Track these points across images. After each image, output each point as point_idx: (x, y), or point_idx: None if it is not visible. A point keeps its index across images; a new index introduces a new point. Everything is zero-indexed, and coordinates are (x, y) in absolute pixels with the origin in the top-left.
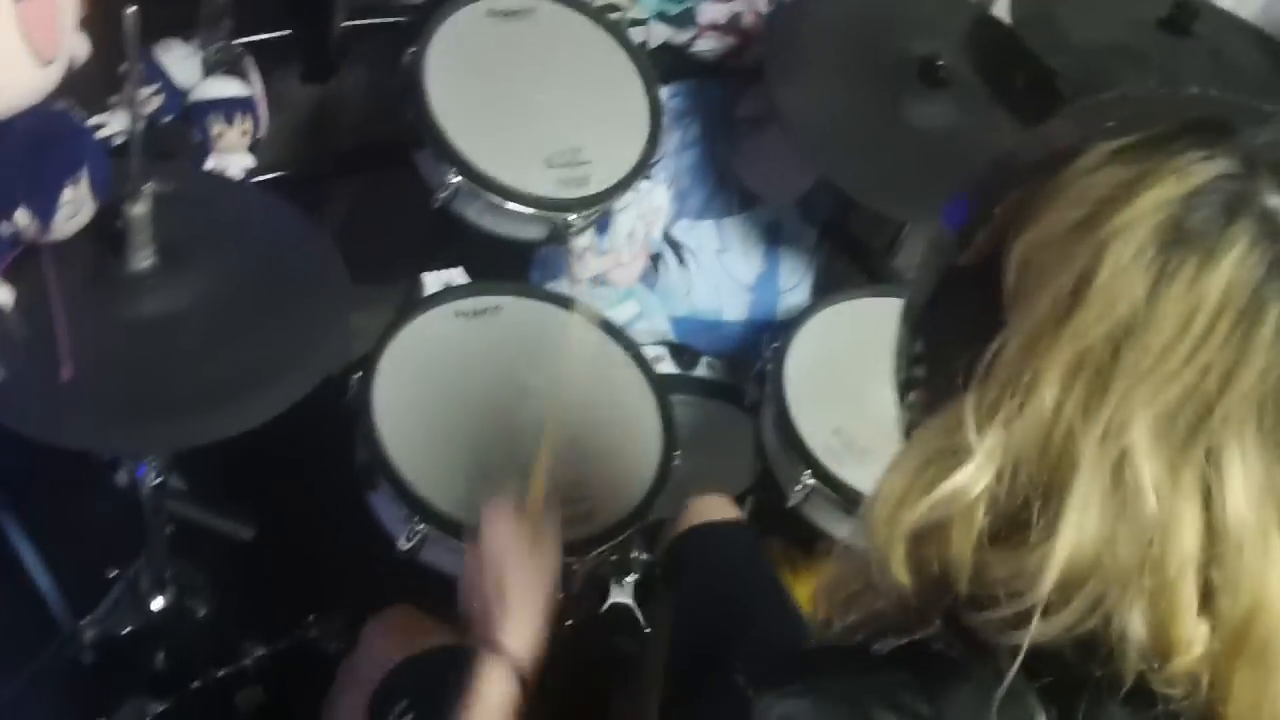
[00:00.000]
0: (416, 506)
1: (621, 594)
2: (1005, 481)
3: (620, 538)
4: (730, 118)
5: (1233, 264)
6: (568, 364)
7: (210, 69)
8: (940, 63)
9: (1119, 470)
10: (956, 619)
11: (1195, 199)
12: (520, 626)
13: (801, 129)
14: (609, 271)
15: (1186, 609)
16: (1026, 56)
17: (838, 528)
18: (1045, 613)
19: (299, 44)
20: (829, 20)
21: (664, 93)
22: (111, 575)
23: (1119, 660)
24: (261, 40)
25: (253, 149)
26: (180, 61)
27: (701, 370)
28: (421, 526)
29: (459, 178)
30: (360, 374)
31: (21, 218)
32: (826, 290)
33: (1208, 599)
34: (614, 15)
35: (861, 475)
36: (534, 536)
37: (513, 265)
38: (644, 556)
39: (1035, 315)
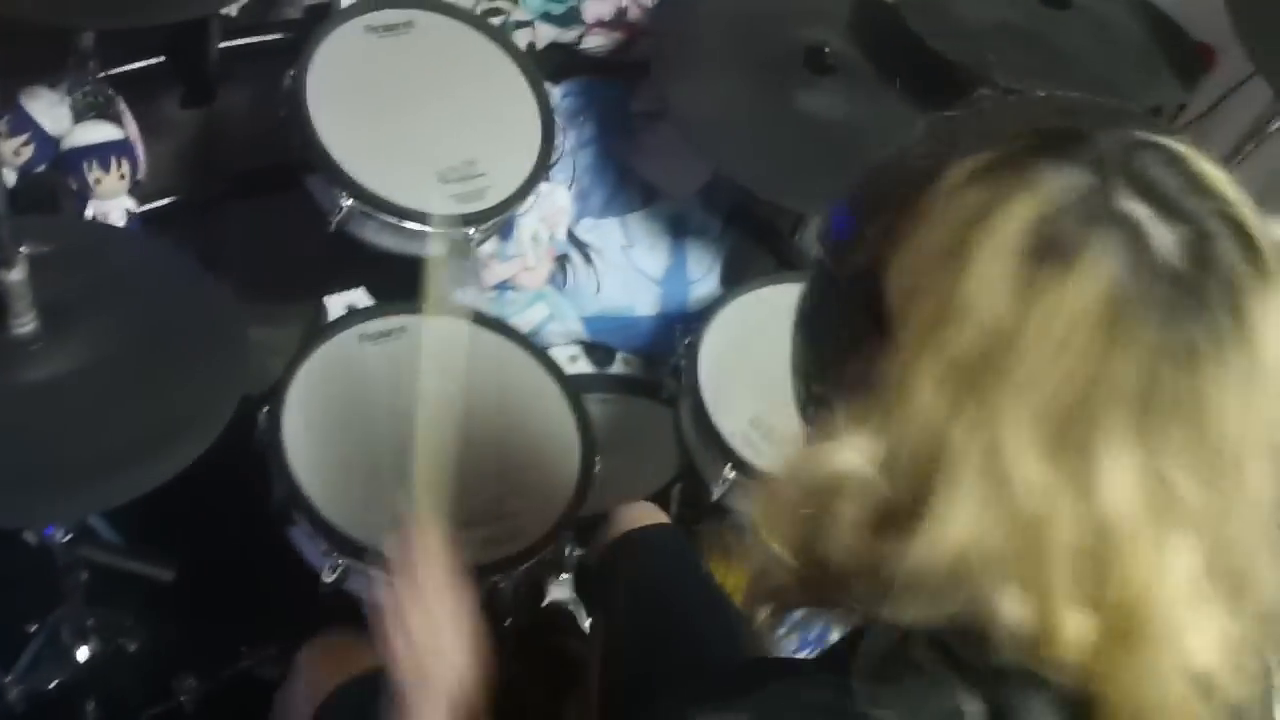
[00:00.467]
0: (336, 541)
1: (559, 591)
2: (878, 479)
3: (545, 553)
4: (625, 113)
5: (1092, 271)
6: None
7: (80, 114)
8: (827, 50)
9: (996, 471)
10: (858, 610)
11: (1053, 212)
12: (449, 658)
13: (693, 124)
14: (516, 276)
15: (1064, 598)
16: (912, 38)
17: None
18: (930, 598)
19: (175, 70)
20: (715, 11)
21: (556, 92)
22: (31, 630)
23: (997, 646)
24: (138, 68)
25: (133, 191)
26: (49, 109)
27: (617, 367)
28: (343, 560)
29: (351, 201)
30: (268, 409)
31: None
32: (736, 278)
33: (1089, 589)
34: (497, 19)
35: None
36: (432, 563)
37: (420, 276)
38: (578, 553)
39: (910, 330)
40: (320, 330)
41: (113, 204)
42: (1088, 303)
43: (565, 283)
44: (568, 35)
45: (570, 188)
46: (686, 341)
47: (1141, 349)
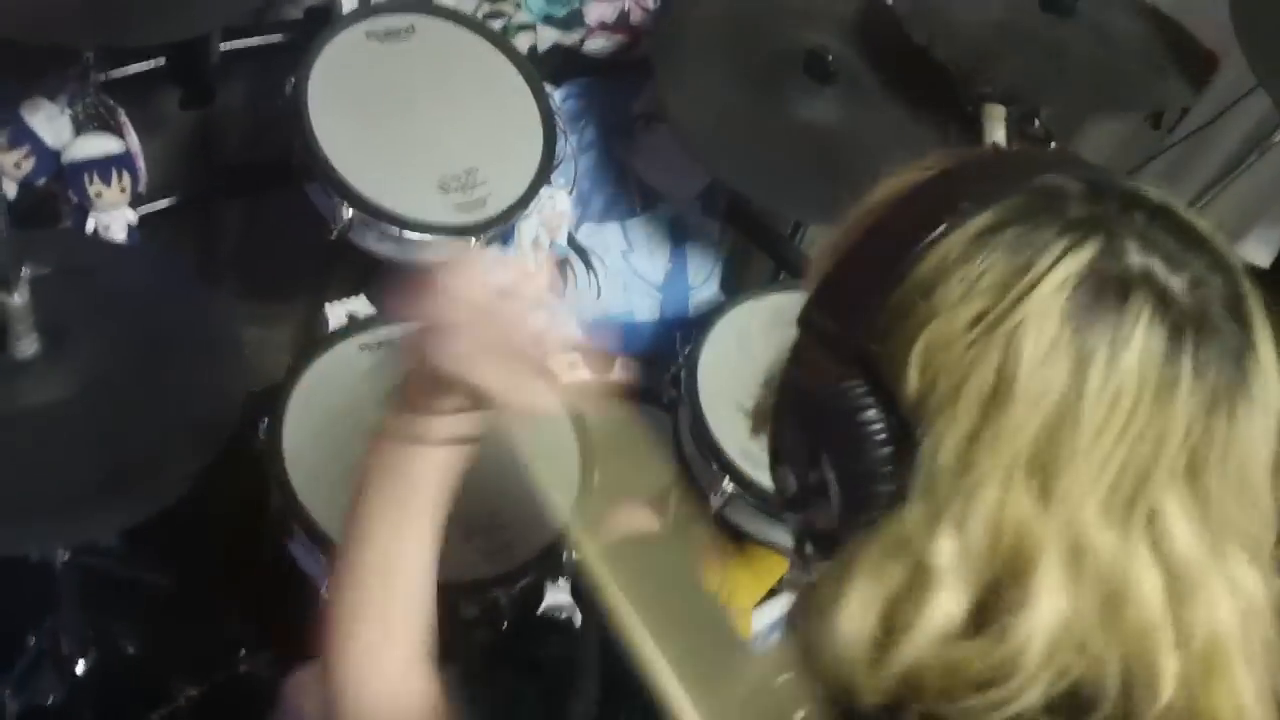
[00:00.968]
0: (334, 554)
1: (558, 595)
2: (963, 576)
3: (544, 567)
4: (626, 116)
5: (1141, 338)
6: None
7: (81, 126)
8: (829, 57)
9: (1076, 549)
10: (930, 715)
11: (1087, 281)
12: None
13: (690, 130)
14: None
15: (1165, 649)
16: (913, 45)
17: (761, 530)
18: (1025, 688)
19: (175, 73)
20: (716, 15)
21: (558, 95)
22: (30, 641)
23: (1104, 708)
24: (137, 72)
25: (134, 202)
26: (49, 121)
27: (617, 373)
28: None
29: (352, 211)
30: (268, 420)
31: None
32: (736, 282)
33: (1177, 634)
34: (499, 22)
35: None
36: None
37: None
38: (577, 556)
39: (962, 417)
40: (320, 340)
41: (114, 216)
42: (1143, 369)
43: (565, 287)
44: (570, 38)
45: (570, 192)
46: (685, 351)
47: (1196, 403)
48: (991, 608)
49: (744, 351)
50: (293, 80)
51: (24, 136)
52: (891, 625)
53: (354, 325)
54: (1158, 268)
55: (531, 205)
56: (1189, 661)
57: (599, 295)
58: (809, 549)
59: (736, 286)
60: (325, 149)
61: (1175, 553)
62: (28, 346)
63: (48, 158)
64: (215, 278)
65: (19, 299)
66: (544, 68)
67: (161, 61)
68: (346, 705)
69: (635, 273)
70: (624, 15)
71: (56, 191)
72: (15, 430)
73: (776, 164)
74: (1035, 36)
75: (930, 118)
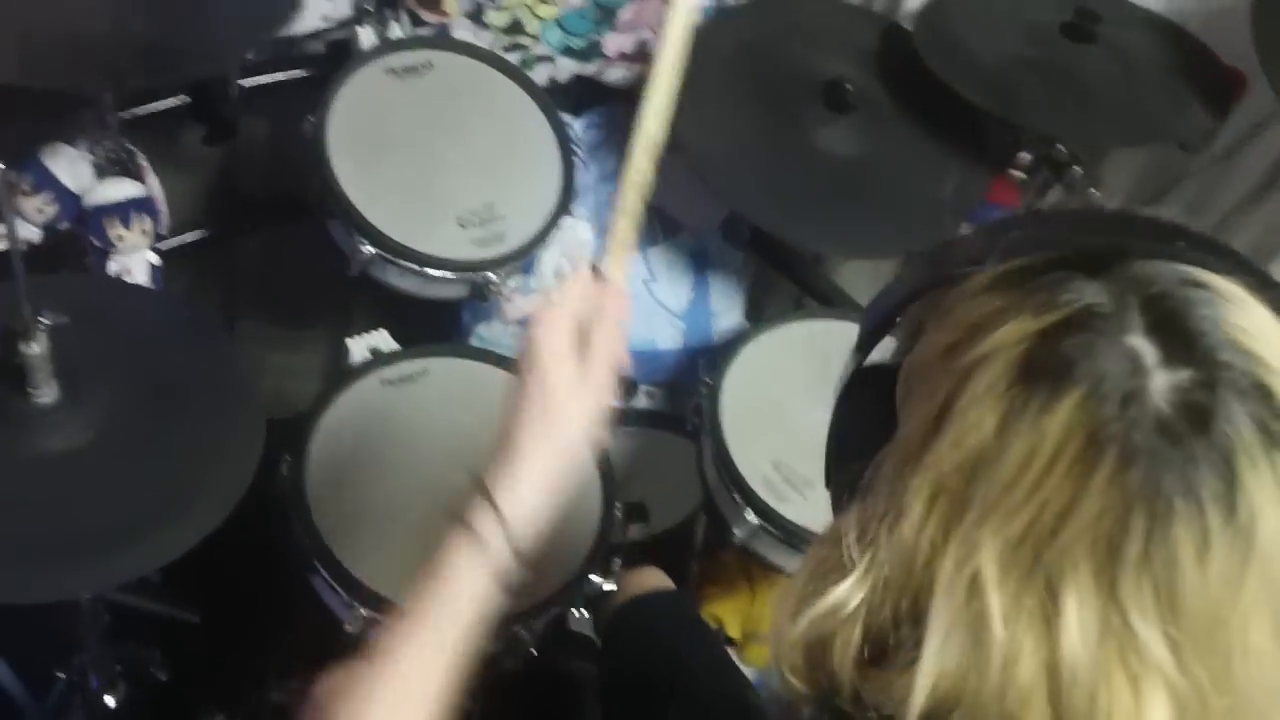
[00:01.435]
0: (359, 593)
1: (580, 625)
2: (877, 601)
3: (565, 603)
4: None
5: (1075, 403)
6: None
7: (103, 170)
8: (848, 86)
9: (971, 598)
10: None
11: (1054, 332)
12: (528, 477)
13: (707, 162)
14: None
15: None
16: (930, 75)
17: (785, 561)
18: None
19: (197, 110)
20: (734, 45)
21: (579, 125)
22: (60, 676)
23: None
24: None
25: (159, 239)
26: (70, 166)
27: (641, 400)
28: (365, 612)
29: (371, 249)
30: (290, 458)
31: None
32: (759, 310)
33: None
34: (518, 55)
35: (804, 509)
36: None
37: (442, 311)
38: (603, 585)
39: (907, 436)
40: (342, 375)
41: (135, 258)
42: (1065, 434)
43: None
44: (589, 69)
45: (592, 222)
46: (707, 381)
47: (1116, 493)
48: (892, 641)
49: (767, 381)
50: (311, 119)
51: (46, 181)
52: (798, 608)
53: (376, 360)
54: (1148, 352)
55: (549, 239)
56: None
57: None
58: None
59: (761, 313)
60: (344, 187)
61: (1063, 639)
62: (47, 394)
63: (70, 202)
64: (242, 305)
65: (37, 348)
66: (564, 98)
67: (184, 99)
68: None
69: (657, 301)
70: (642, 45)
71: (79, 234)
72: (34, 476)
73: (795, 194)
74: (1055, 65)
75: (952, 148)
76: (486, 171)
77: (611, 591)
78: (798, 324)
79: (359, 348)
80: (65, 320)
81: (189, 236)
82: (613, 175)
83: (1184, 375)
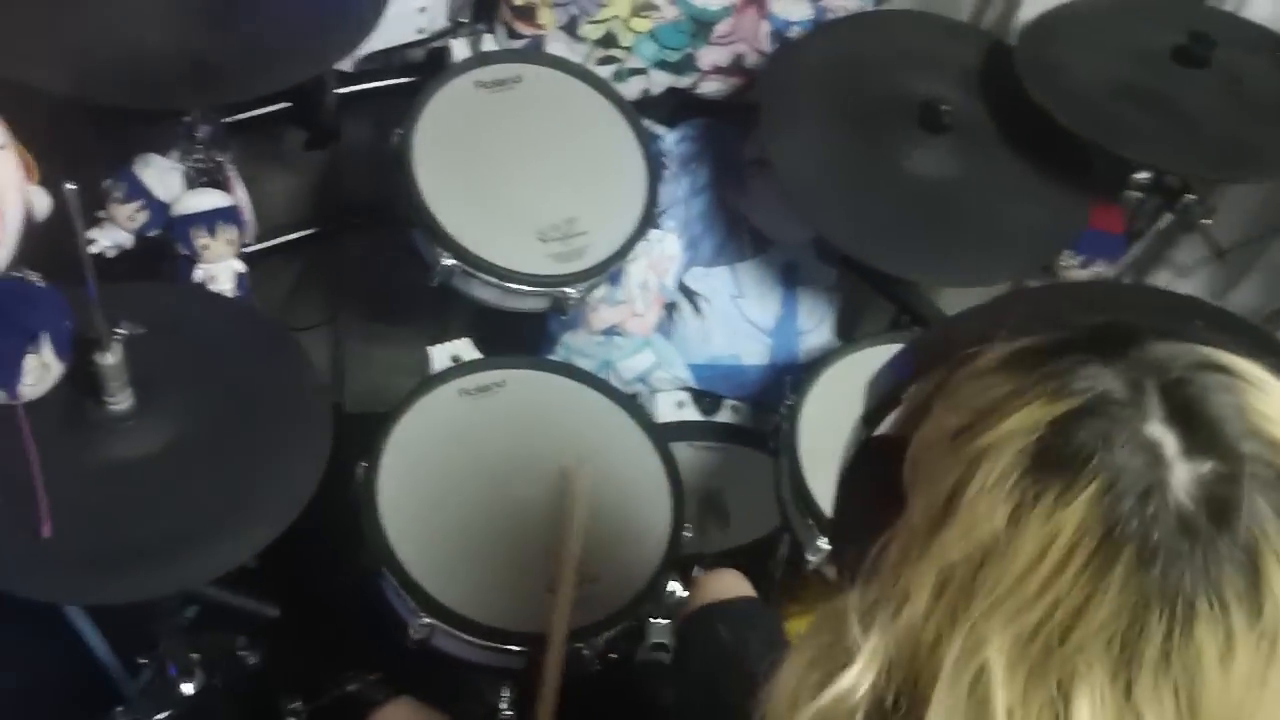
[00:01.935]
0: (423, 602)
1: (659, 634)
2: (880, 688)
3: (628, 622)
4: (739, 160)
5: (1091, 498)
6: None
7: (193, 180)
8: (945, 108)
9: (975, 692)
10: None
11: (1068, 421)
12: None
13: (793, 182)
14: (624, 322)
15: None
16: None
17: None
18: None
19: (298, 116)
20: (830, 61)
21: (671, 137)
22: (141, 662)
23: None
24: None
25: (243, 256)
26: (160, 176)
27: (725, 414)
28: (428, 621)
29: (451, 260)
30: (365, 464)
31: None
32: (851, 327)
33: None
34: (611, 68)
35: None
36: None
37: (530, 318)
38: (682, 593)
39: (914, 520)
40: (421, 383)
41: (221, 267)
42: (1080, 530)
43: (673, 330)
44: (683, 82)
45: (681, 236)
46: (789, 400)
47: (1133, 593)
48: None
49: (848, 404)
50: (399, 131)
51: (137, 190)
52: (799, 696)
53: (455, 370)
54: (1169, 442)
55: (629, 255)
56: None
57: (706, 339)
58: None
59: (853, 332)
60: (426, 198)
61: None
62: (122, 401)
63: (159, 211)
64: (348, 301)
65: (112, 358)
66: (658, 110)
67: (286, 105)
68: None
69: (744, 317)
70: (738, 59)
71: (170, 242)
72: (107, 482)
73: (882, 218)
74: (1162, 92)
75: (1054, 172)
76: (570, 186)
77: (686, 595)
78: (889, 345)
79: (440, 355)
80: (141, 331)
81: (295, 234)
82: (704, 189)
83: (1206, 467)
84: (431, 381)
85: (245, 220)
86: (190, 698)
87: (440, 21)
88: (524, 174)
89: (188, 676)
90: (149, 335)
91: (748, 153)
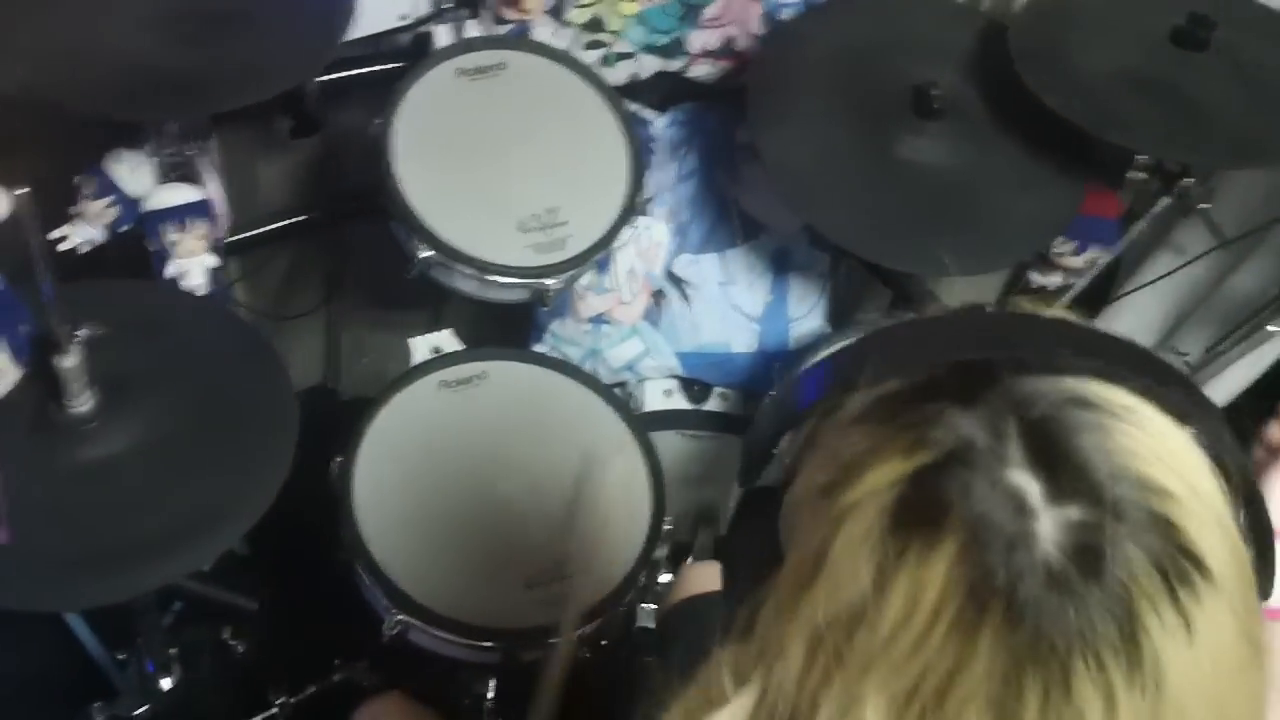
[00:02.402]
0: (396, 598)
1: (649, 619)
2: None
3: (602, 619)
4: (730, 145)
5: (954, 554)
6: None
7: (164, 174)
8: (935, 92)
9: None
10: None
11: (928, 474)
12: None
13: (782, 172)
14: (611, 310)
15: None
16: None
17: None
18: None
19: (282, 106)
20: (821, 45)
21: (661, 122)
22: (120, 658)
23: None
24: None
25: (214, 248)
26: (131, 172)
27: (714, 402)
28: (401, 617)
29: (429, 252)
30: (341, 458)
31: None
32: (843, 314)
33: None
34: (599, 52)
35: None
36: None
37: (518, 307)
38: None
39: (786, 580)
40: (400, 376)
41: (192, 262)
42: (947, 589)
43: (660, 319)
44: (672, 65)
45: (669, 222)
46: (771, 394)
47: (1005, 652)
48: None
49: None
50: (378, 120)
51: (108, 187)
52: None
53: (435, 362)
54: (1033, 490)
55: (611, 246)
56: None
57: (695, 327)
58: None
59: (846, 317)
60: (404, 190)
61: None
62: (84, 403)
63: (130, 207)
64: (344, 286)
65: (71, 360)
66: (648, 95)
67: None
68: None
69: (733, 305)
70: (729, 42)
71: (136, 241)
72: (68, 485)
73: (874, 208)
74: (1163, 80)
75: (1049, 159)
76: (554, 175)
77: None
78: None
79: (422, 347)
80: (103, 332)
81: (287, 221)
82: (691, 174)
83: (1072, 514)
84: (411, 374)
85: (217, 215)
86: (169, 692)
87: (423, 7)
88: (505, 163)
89: (165, 671)
90: (115, 335)
91: (740, 137)
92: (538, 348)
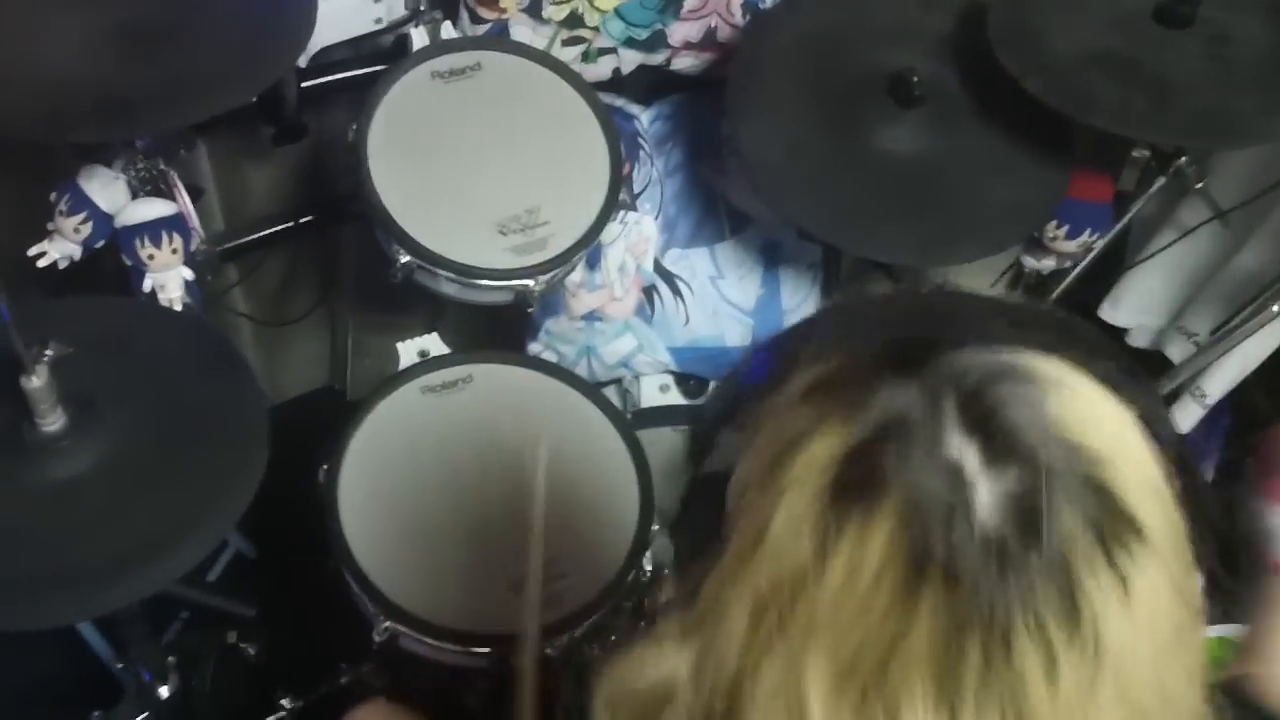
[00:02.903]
0: (384, 606)
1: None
2: (697, 693)
3: (591, 621)
4: (715, 137)
5: (893, 524)
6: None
7: (136, 190)
8: (914, 78)
9: (794, 713)
10: None
11: (866, 446)
12: None
13: (760, 166)
14: (604, 306)
15: None
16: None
17: None
18: None
19: (262, 112)
20: (800, 34)
21: (645, 117)
22: (118, 667)
23: None
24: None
25: (187, 262)
26: (103, 188)
27: (710, 398)
28: (388, 624)
29: (408, 257)
30: (327, 466)
31: None
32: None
33: None
34: (578, 48)
35: None
36: None
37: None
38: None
39: (730, 553)
40: (384, 382)
41: (168, 275)
42: (887, 557)
43: (653, 314)
44: (654, 59)
45: (657, 217)
46: None
47: (946, 617)
48: None
49: None
50: (354, 126)
51: (82, 203)
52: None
53: (420, 366)
54: (970, 457)
55: (592, 244)
56: None
57: (687, 322)
58: None
59: None
60: (382, 195)
61: None
62: (53, 422)
63: (103, 222)
64: (342, 289)
65: (37, 380)
66: (633, 89)
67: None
68: None
69: (724, 299)
70: (710, 32)
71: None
72: (44, 503)
73: (854, 203)
74: (1136, 57)
75: (1034, 144)
76: (532, 175)
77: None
78: None
79: (408, 351)
80: (69, 351)
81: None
82: (679, 168)
83: (1009, 480)
84: (395, 380)
85: (190, 228)
86: (167, 700)
87: (399, 10)
88: (483, 165)
89: (162, 680)
90: (87, 352)
91: (726, 130)
92: (533, 346)
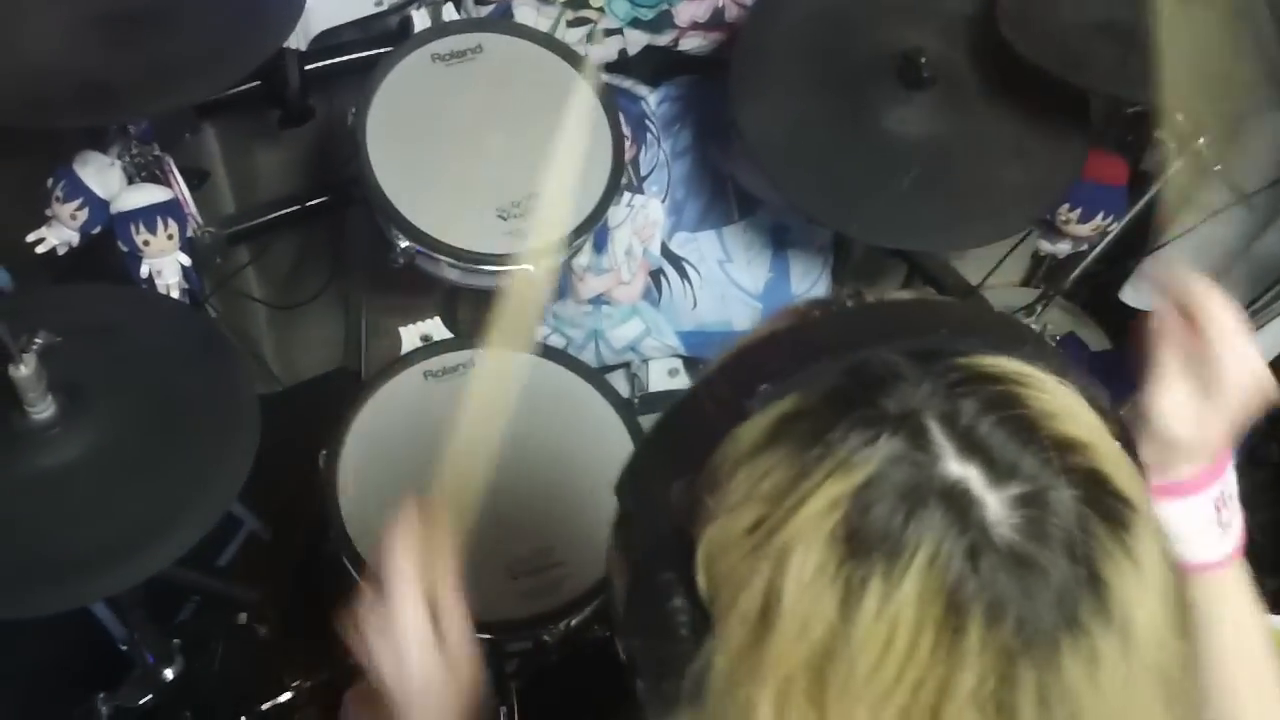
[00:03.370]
0: None
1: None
2: None
3: (591, 607)
4: (723, 119)
5: (921, 568)
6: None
7: (131, 176)
8: (923, 59)
9: None
10: None
11: (867, 492)
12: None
13: (765, 150)
14: (611, 290)
15: None
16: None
17: None
18: None
19: (268, 96)
20: (810, 12)
21: (653, 98)
22: (123, 648)
23: None
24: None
25: (184, 248)
26: (99, 174)
27: None
28: None
29: (407, 242)
30: (326, 451)
31: None
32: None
33: None
34: (584, 29)
35: None
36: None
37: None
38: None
39: (734, 634)
40: (385, 367)
41: (165, 261)
42: (923, 605)
43: (660, 298)
44: (661, 39)
45: (664, 200)
46: None
47: (992, 652)
48: None
49: None
50: (354, 110)
51: (77, 189)
52: None
53: (420, 351)
54: (972, 477)
55: (593, 230)
56: None
57: (695, 306)
58: None
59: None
60: (380, 180)
61: None
62: (43, 410)
63: (99, 208)
64: (355, 272)
65: (25, 369)
66: (640, 70)
67: (256, 84)
68: None
69: (732, 282)
70: (718, 12)
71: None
72: (35, 492)
73: (861, 188)
74: (1141, 27)
75: (1047, 124)
76: (531, 159)
77: None
78: None
79: (411, 336)
80: (57, 340)
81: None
82: (686, 151)
83: (1013, 489)
84: (395, 365)
85: (185, 214)
86: (173, 682)
87: None
88: (482, 149)
89: (167, 662)
90: (77, 340)
91: (729, 112)
92: (540, 330)
